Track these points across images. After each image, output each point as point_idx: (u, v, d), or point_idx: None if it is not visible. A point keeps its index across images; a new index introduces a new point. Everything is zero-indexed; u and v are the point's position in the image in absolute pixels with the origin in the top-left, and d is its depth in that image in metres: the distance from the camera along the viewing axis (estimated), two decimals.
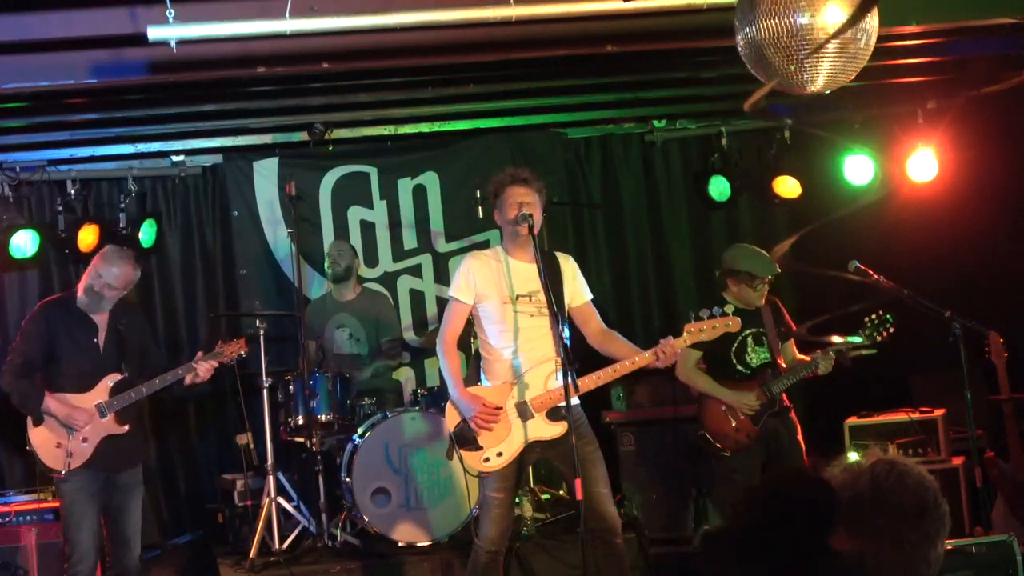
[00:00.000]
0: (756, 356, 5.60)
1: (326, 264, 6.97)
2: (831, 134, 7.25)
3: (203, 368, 5.27)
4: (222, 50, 4.91)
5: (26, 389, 5.18)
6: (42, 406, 5.13)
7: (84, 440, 5.14)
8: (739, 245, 5.76)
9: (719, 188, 7.69)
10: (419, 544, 6.00)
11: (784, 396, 5.62)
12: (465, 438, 4.65)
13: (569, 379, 4.35)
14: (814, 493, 2.14)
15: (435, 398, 6.33)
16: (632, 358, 4.62)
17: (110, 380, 5.21)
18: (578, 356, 4.60)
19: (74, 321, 5.24)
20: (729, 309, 4.59)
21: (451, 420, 4.72)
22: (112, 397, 5.19)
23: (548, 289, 4.52)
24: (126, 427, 5.22)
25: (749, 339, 5.59)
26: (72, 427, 5.12)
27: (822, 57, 3.34)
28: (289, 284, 7.27)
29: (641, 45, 5.36)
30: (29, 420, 5.20)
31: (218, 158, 7.60)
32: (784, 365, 5.62)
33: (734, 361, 5.59)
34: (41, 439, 5.18)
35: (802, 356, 5.68)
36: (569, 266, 4.86)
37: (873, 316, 5.54)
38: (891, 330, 5.51)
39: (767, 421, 5.51)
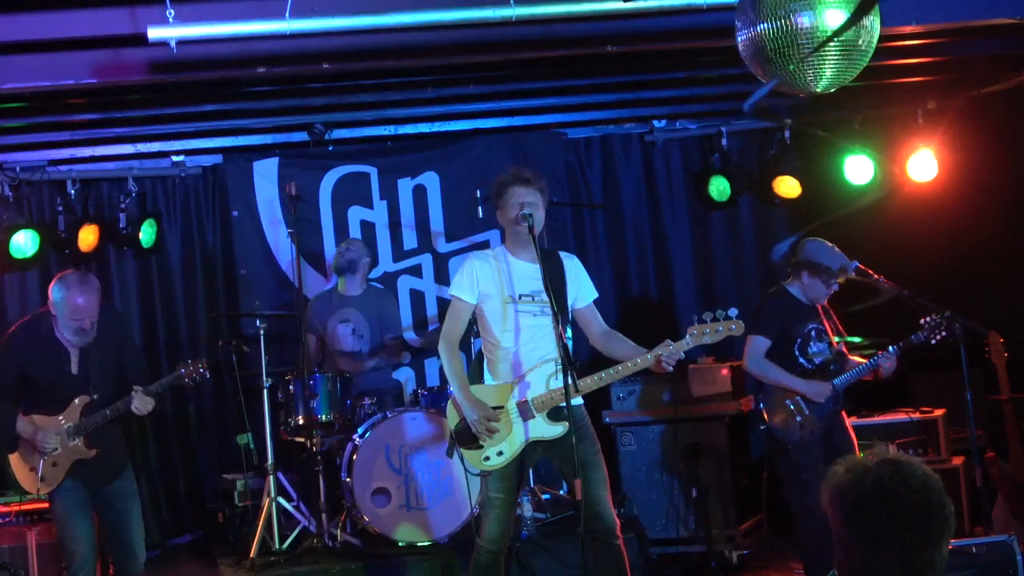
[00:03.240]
0: (819, 351, 5.61)
1: (354, 256, 6.89)
2: (831, 134, 7.25)
3: (135, 404, 5.02)
4: (222, 50, 4.92)
5: None
6: (13, 430, 5.06)
7: (55, 464, 5.05)
8: (818, 240, 5.66)
9: (719, 188, 7.69)
10: (419, 544, 6.00)
11: None
12: (466, 436, 4.65)
13: (569, 379, 4.35)
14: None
15: (435, 398, 6.33)
16: (634, 359, 4.61)
17: (79, 402, 5.10)
18: (581, 356, 4.59)
19: (45, 347, 5.10)
20: (733, 312, 4.56)
21: (453, 418, 4.72)
22: (81, 419, 5.08)
23: (549, 289, 4.51)
24: (94, 452, 5.09)
25: (812, 333, 5.59)
26: (41, 450, 5.03)
27: (823, 57, 3.34)
28: (289, 284, 7.27)
29: (641, 45, 5.36)
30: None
31: (218, 158, 7.60)
32: (849, 360, 5.62)
33: (797, 354, 5.58)
34: (16, 462, 5.14)
35: (856, 358, 5.68)
36: (573, 266, 4.85)
37: (929, 318, 5.52)
38: (944, 334, 5.49)
39: (829, 418, 5.53)
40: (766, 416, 5.59)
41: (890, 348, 5.52)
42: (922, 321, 5.53)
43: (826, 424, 5.52)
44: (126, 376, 5.21)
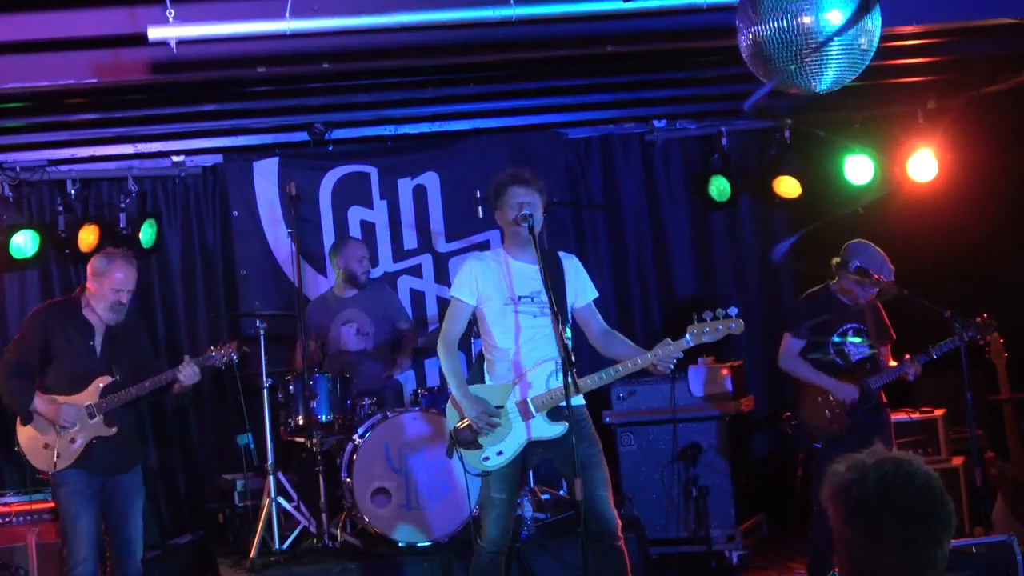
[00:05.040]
0: (856, 351, 5.61)
1: (357, 269, 6.85)
2: (831, 134, 7.25)
3: (185, 373, 5.22)
4: (222, 50, 4.91)
5: (17, 388, 5.20)
6: (31, 406, 5.15)
7: (72, 441, 5.14)
8: (862, 242, 5.68)
9: (719, 188, 7.68)
10: (419, 544, 6.00)
11: (882, 393, 5.65)
12: (465, 436, 4.65)
13: (570, 379, 4.35)
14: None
15: (435, 398, 6.32)
16: (634, 359, 4.61)
17: (101, 382, 5.22)
18: (580, 357, 4.59)
19: (73, 324, 5.25)
20: (733, 311, 4.56)
21: (452, 417, 4.72)
22: (102, 399, 5.19)
23: (549, 289, 4.51)
24: (114, 429, 5.20)
25: (850, 332, 5.61)
26: (61, 427, 5.11)
27: (824, 57, 3.34)
28: (289, 284, 7.27)
29: (641, 45, 5.36)
30: (17, 420, 5.24)
31: (218, 158, 7.60)
32: (885, 363, 5.65)
33: (832, 352, 5.61)
34: (29, 439, 5.20)
35: (893, 361, 5.70)
36: (572, 265, 4.85)
37: (978, 319, 5.52)
38: (995, 334, 5.53)
39: (861, 416, 5.53)
40: (797, 412, 5.61)
41: (933, 352, 5.54)
42: (972, 320, 5.52)
43: (860, 423, 5.51)
44: (142, 366, 5.36)
